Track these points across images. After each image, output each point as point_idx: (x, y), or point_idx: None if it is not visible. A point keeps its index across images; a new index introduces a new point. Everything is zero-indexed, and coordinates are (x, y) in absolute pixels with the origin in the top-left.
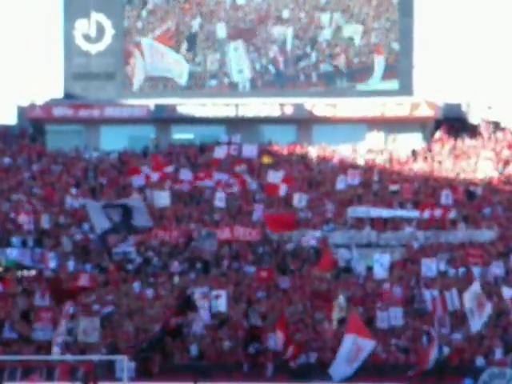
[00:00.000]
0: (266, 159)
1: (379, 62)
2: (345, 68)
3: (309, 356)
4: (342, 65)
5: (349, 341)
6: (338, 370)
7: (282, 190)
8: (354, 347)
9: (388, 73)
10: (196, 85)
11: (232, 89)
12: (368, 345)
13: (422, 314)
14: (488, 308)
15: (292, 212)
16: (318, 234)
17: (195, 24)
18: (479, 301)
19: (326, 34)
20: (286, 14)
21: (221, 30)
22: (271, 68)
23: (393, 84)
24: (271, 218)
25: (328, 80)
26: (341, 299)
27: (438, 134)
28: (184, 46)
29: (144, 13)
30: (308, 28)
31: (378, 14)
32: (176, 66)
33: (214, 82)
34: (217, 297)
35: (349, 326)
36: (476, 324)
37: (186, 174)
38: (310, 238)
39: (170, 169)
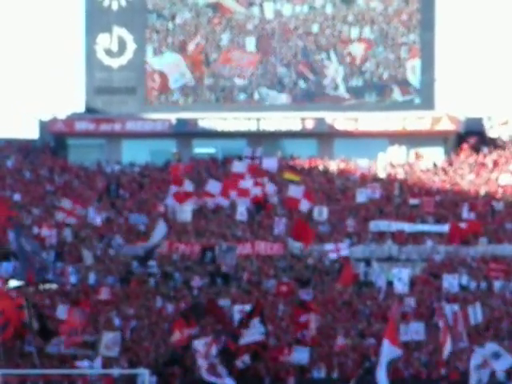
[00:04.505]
0: (290, 176)
1: (414, 71)
2: (375, 82)
3: (331, 371)
4: (371, 79)
5: (384, 346)
6: (381, 377)
7: (303, 204)
8: (385, 352)
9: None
10: (224, 98)
11: (260, 103)
12: (393, 352)
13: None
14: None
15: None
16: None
17: (224, 38)
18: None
19: (354, 48)
20: (314, 28)
21: (250, 45)
22: (300, 82)
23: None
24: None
25: (357, 94)
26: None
27: (464, 147)
28: (212, 58)
29: (171, 26)
30: (336, 42)
31: (406, 28)
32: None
33: (242, 96)
34: (240, 311)
35: (386, 331)
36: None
37: (210, 188)
38: (333, 251)
39: (191, 183)
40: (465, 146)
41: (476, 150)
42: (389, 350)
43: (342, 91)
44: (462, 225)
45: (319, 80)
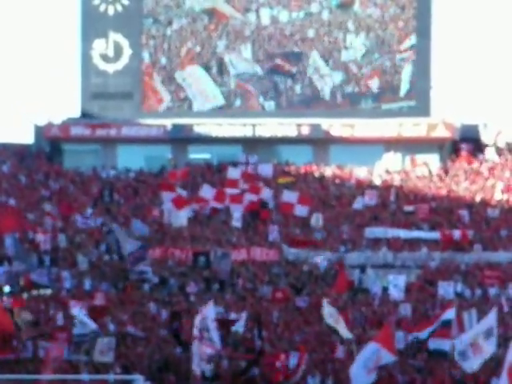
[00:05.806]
0: (284, 180)
1: (404, 81)
2: (371, 88)
3: (325, 378)
4: (373, 86)
5: (370, 348)
6: (356, 376)
7: (298, 209)
8: (375, 357)
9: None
10: (222, 105)
11: (257, 109)
12: (388, 358)
13: None
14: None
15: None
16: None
17: (220, 45)
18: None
19: (350, 55)
20: (311, 34)
21: (246, 51)
22: (296, 88)
23: (410, 104)
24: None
25: (353, 100)
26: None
27: (461, 152)
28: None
29: (169, 32)
30: (333, 49)
31: (403, 34)
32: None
33: (238, 103)
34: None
35: (377, 336)
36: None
37: (205, 194)
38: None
39: (184, 189)
40: (463, 152)
41: (472, 156)
42: (383, 355)
43: (337, 97)
44: (457, 232)
45: (315, 86)
